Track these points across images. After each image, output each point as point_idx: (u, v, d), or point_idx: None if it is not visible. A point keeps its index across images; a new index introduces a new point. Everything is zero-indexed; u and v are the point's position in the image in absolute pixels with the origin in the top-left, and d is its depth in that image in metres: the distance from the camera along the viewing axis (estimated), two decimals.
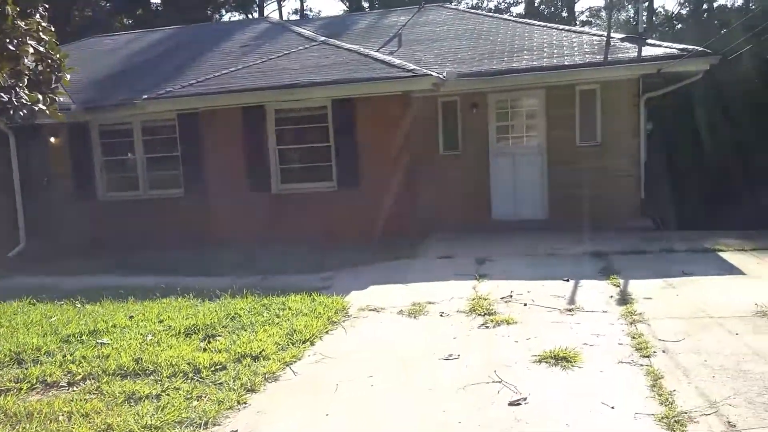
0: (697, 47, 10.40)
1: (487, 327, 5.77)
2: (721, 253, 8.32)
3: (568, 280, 7.24)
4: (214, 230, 11.45)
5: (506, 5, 38.68)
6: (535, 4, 37.14)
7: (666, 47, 11.09)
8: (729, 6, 25.74)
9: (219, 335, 5.83)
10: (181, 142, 12.16)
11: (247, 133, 11.61)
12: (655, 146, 14.40)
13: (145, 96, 11.53)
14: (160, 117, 12.17)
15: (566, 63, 10.97)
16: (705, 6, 24.85)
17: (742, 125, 12.97)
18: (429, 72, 10.59)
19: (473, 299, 6.66)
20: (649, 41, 11.53)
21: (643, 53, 10.86)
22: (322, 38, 13.56)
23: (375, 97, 11.08)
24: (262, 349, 5.30)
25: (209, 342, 5.65)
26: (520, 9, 37.86)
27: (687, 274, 7.21)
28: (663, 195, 13.63)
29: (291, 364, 5.10)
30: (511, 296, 6.74)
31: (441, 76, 11.00)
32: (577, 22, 35.81)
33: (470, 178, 11.99)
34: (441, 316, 6.23)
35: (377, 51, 12.76)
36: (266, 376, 4.84)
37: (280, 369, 4.98)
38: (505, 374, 4.61)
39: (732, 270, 7.35)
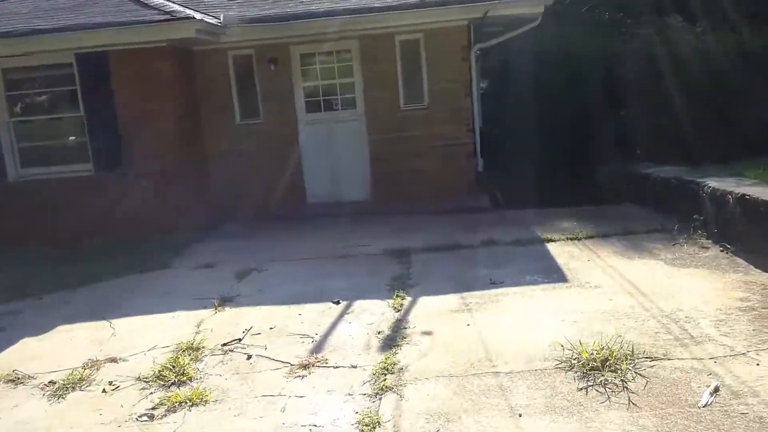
0: None
1: (151, 418, 3.56)
2: (550, 245, 6.59)
3: (338, 302, 5.17)
4: None
5: None
6: None
7: None
8: None
9: None
10: None
11: None
12: (492, 108, 12.73)
13: None
14: None
15: (376, 5, 8.80)
16: None
17: (589, 82, 11.44)
18: (191, 14, 8.05)
19: (181, 349, 4.43)
20: None
21: None
22: None
23: (136, 52, 8.47)
24: None
25: None
26: None
27: (495, 284, 5.34)
28: (503, 166, 12.01)
29: None
30: (240, 340, 4.57)
31: (215, 20, 8.51)
32: None
33: (276, 152, 9.69)
34: (104, 392, 3.96)
35: None
36: None
37: None
38: None
39: (553, 273, 5.56)
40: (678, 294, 4.80)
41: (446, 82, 9.29)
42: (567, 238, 6.74)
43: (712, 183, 6.30)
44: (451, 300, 5.04)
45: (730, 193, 5.82)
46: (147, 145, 8.69)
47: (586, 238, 6.72)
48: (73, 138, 8.88)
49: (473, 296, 5.08)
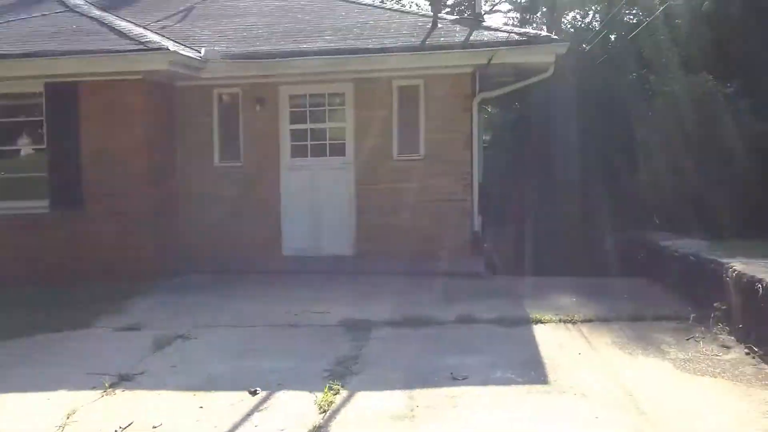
0: (539, 32, 7.74)
1: None
2: (538, 327, 5.54)
3: (255, 392, 4.17)
4: None
5: None
6: None
7: (505, 31, 8.40)
8: None
9: None
10: None
11: None
12: (495, 164, 11.80)
13: None
14: None
15: (370, 46, 8.06)
16: None
17: (606, 140, 10.51)
18: (165, 45, 7.40)
19: None
20: (486, 24, 8.74)
21: (474, 37, 8.09)
22: (86, 6, 10.07)
23: (109, 83, 7.89)
24: None
25: None
26: None
27: (456, 380, 4.30)
28: (506, 225, 11.02)
29: None
30: None
31: (195, 54, 7.85)
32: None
33: (255, 198, 8.88)
34: None
35: (148, 25, 9.42)
36: None
37: None
38: None
39: (533, 370, 4.50)
40: (688, 416, 3.70)
41: (445, 133, 8.43)
42: (560, 320, 5.67)
43: (738, 266, 5.21)
44: (397, 399, 4.02)
45: (760, 281, 4.74)
46: (112, 183, 7.99)
47: (582, 321, 5.64)
48: (32, 172, 8.19)
49: (425, 396, 4.05)
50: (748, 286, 4.83)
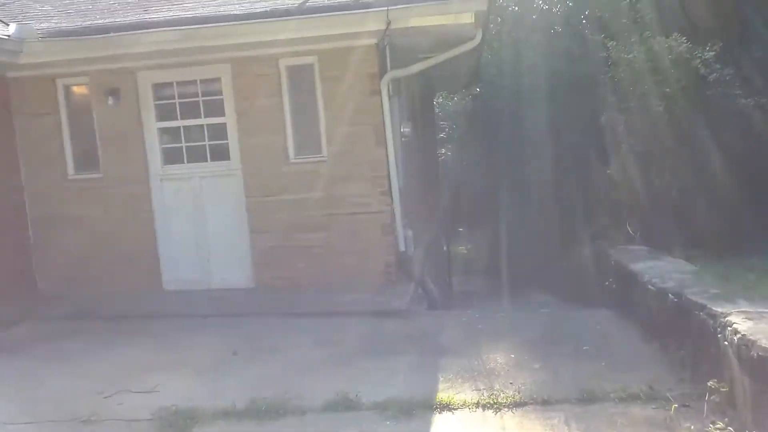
0: None
1: None
2: (443, 418, 3.65)
3: None
4: None
5: None
6: None
7: None
8: None
9: None
10: None
11: None
12: (456, 159, 9.95)
13: None
14: None
15: (237, 12, 6.09)
16: None
17: (570, 124, 8.66)
18: None
19: None
20: None
21: None
22: None
23: None
24: None
25: None
26: None
27: None
28: (468, 231, 9.16)
29: None
30: None
31: (3, 32, 5.87)
32: None
33: (122, 218, 6.94)
34: None
35: None
36: None
37: None
38: None
39: None
40: None
41: (351, 125, 6.51)
42: (478, 403, 3.78)
43: (742, 323, 3.30)
44: None
45: None
46: None
47: (510, 405, 3.74)
48: None
49: None
50: (761, 364, 2.95)
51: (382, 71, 6.41)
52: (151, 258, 7.00)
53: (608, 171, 7.66)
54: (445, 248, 11.45)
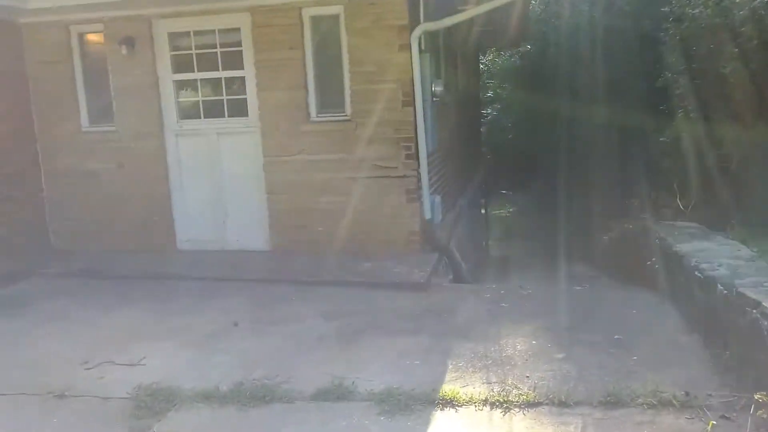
0: None
1: None
2: (447, 416, 3.23)
3: None
4: None
5: None
6: None
7: None
8: None
9: None
10: None
11: None
12: (500, 123, 9.29)
13: None
14: None
15: None
16: None
17: (624, 83, 7.92)
18: None
19: None
20: None
21: None
22: None
23: None
24: None
25: None
26: None
27: None
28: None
29: None
30: None
31: None
32: None
33: (135, 173, 6.70)
34: None
35: None
36: None
37: None
38: None
39: None
40: None
41: (377, 82, 6.01)
42: (486, 400, 3.34)
43: None
44: None
45: None
46: None
47: (523, 404, 3.28)
48: None
49: None
50: None
51: (414, 24, 5.85)
52: (165, 215, 6.76)
53: (662, 138, 6.93)
54: (483, 211, 10.94)
